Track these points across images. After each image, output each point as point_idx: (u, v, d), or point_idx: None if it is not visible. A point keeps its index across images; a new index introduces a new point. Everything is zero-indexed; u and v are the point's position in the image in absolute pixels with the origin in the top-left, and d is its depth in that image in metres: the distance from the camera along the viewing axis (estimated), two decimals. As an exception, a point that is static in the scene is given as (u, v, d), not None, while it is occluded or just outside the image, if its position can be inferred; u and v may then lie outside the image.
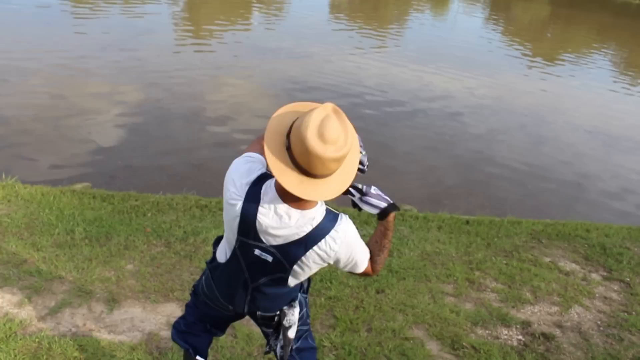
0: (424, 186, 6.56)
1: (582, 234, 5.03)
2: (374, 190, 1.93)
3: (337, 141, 1.59)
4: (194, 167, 6.00)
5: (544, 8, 30.55)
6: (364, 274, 1.95)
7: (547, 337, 3.46)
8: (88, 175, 5.49)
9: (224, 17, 14.50)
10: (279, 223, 1.73)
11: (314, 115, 1.60)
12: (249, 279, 1.92)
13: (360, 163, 1.83)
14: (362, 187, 1.92)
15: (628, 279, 4.26)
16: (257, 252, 1.81)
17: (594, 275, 4.29)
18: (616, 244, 4.88)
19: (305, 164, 1.61)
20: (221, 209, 4.66)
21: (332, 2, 21.78)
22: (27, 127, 6.47)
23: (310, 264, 1.81)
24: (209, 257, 3.88)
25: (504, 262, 4.30)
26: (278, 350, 2.08)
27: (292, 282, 1.90)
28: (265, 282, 1.91)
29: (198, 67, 9.57)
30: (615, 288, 4.15)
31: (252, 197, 1.73)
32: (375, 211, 1.90)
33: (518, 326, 3.51)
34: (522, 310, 3.69)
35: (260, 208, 1.72)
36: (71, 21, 11.47)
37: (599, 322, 3.67)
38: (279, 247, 1.77)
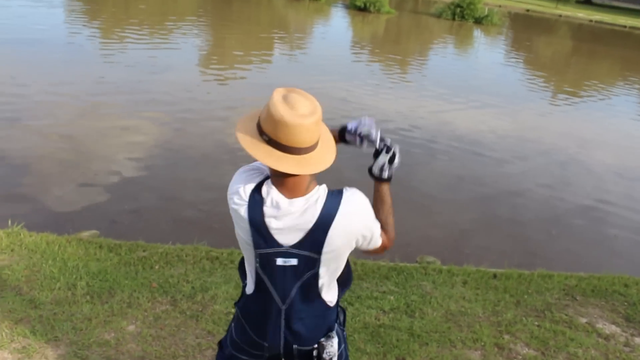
0: (444, 233, 6.24)
1: (620, 289, 4.66)
2: (397, 160, 1.97)
3: (305, 107, 1.63)
4: (202, 212, 5.79)
5: (565, 43, 30.33)
6: (383, 248, 1.89)
7: (588, 415, 3.11)
8: (93, 220, 5.28)
9: (245, 55, 14.53)
10: (286, 214, 1.70)
11: (274, 95, 1.66)
12: (280, 300, 1.82)
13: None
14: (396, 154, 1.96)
15: (675, 344, 3.88)
16: (279, 261, 1.75)
17: (637, 340, 3.92)
18: (658, 301, 4.50)
19: (279, 138, 1.63)
20: (232, 261, 4.44)
21: (354, 38, 21.85)
22: (34, 170, 6.32)
23: (337, 243, 1.73)
24: (217, 317, 3.67)
25: (536, 323, 3.96)
26: None
27: (324, 280, 1.81)
28: (297, 296, 1.81)
29: (210, 107, 9.44)
30: (661, 355, 3.77)
31: (255, 199, 1.72)
32: (386, 174, 1.94)
33: (555, 403, 3.16)
34: (558, 383, 3.34)
35: (265, 208, 1.71)
36: (90, 59, 11.54)
37: (646, 398, 3.30)
38: (299, 244, 1.72)
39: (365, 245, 1.84)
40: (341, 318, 2.03)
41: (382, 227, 1.89)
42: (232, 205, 1.78)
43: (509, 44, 27.05)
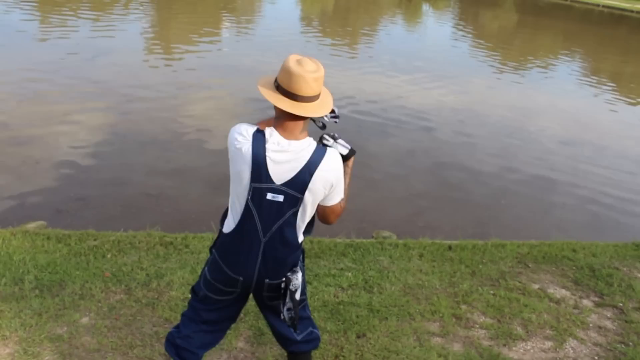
0: (398, 207, 6.29)
1: (569, 254, 4.82)
2: (341, 138, 2.39)
3: (312, 66, 2.10)
4: (152, 197, 5.64)
5: (511, 16, 30.91)
6: (339, 208, 2.27)
7: (542, 377, 3.21)
8: (38, 211, 5.08)
9: (191, 35, 14.15)
10: (285, 150, 2.07)
11: (290, 57, 2.12)
12: (262, 231, 2.14)
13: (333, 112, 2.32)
14: (333, 134, 2.36)
15: (621, 304, 4.05)
16: (269, 196, 2.09)
17: (585, 302, 4.06)
18: (604, 264, 4.67)
19: (293, 88, 2.06)
20: (186, 246, 4.35)
21: (303, 15, 21.61)
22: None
23: (316, 187, 2.10)
24: (173, 303, 3.60)
25: (491, 292, 4.05)
26: (285, 313, 2.24)
27: (300, 221, 2.17)
28: (276, 231, 2.14)
29: (157, 90, 9.15)
30: (609, 315, 3.92)
31: (259, 138, 2.08)
32: (346, 151, 2.33)
33: (511, 368, 3.25)
34: (514, 349, 3.43)
35: (267, 145, 2.06)
36: (27, 44, 11.00)
37: (596, 358, 3.43)
38: (289, 183, 2.08)
39: (330, 196, 2.20)
40: (302, 255, 2.38)
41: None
42: (235, 144, 2.10)
43: (457, 18, 27.34)
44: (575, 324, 3.75)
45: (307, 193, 2.10)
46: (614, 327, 3.78)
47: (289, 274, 2.23)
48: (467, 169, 7.65)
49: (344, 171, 2.28)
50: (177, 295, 3.62)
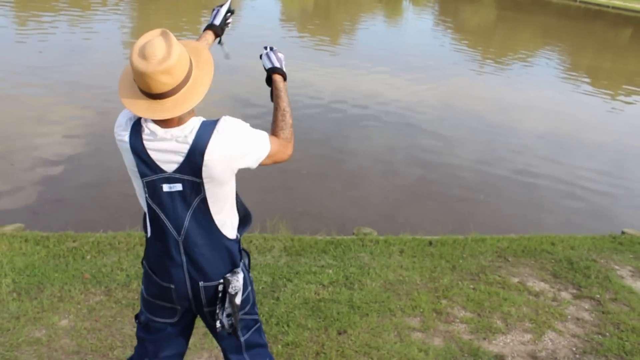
0: (379, 203, 6.31)
1: (548, 248, 4.88)
2: (281, 54, 2.23)
3: (157, 55, 1.68)
4: (131, 197, 5.55)
5: (490, 12, 31.13)
6: (279, 153, 1.95)
7: (521, 370, 3.25)
8: (13, 214, 5.03)
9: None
10: (162, 140, 1.78)
11: (139, 40, 1.74)
12: (174, 230, 1.88)
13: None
14: (271, 46, 2.25)
15: (598, 296, 4.11)
16: (165, 187, 1.82)
17: (563, 294, 4.12)
18: (582, 256, 4.74)
19: (143, 86, 1.72)
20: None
21: (283, 12, 21.56)
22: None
23: (215, 168, 1.80)
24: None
25: (471, 286, 4.09)
26: (225, 321, 1.96)
27: (214, 207, 1.87)
28: (192, 225, 1.87)
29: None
30: (586, 307, 3.98)
31: (136, 128, 1.81)
32: (269, 65, 2.18)
33: (491, 361, 3.29)
34: (494, 342, 3.47)
35: (144, 136, 1.79)
36: (1, 42, 10.83)
37: (574, 349, 3.48)
38: (180, 169, 1.79)
39: (254, 161, 1.89)
40: (245, 261, 2.08)
41: (274, 132, 2.00)
42: (117, 138, 1.85)
43: (437, 14, 27.47)
44: (553, 316, 3.80)
45: (205, 177, 1.80)
46: (592, 319, 3.84)
47: (227, 275, 1.94)
48: (446, 164, 7.71)
49: (276, 94, 2.07)
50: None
